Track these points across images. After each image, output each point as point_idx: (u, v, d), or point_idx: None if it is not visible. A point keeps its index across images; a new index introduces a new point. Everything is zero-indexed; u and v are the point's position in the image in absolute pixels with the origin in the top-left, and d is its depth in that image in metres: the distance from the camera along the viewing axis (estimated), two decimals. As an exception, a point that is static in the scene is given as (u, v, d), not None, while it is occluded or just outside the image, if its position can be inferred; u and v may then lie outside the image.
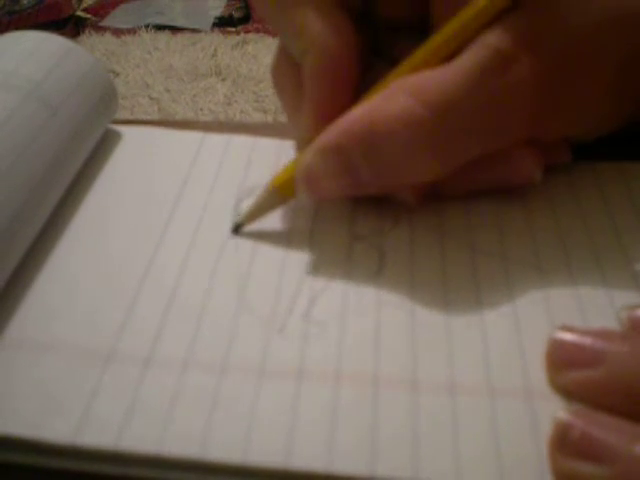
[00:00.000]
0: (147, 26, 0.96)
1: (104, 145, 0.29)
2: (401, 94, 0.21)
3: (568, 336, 0.19)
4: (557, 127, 0.23)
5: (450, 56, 0.22)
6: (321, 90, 0.24)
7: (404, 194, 0.24)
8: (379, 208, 0.25)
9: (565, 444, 0.17)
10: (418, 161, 0.22)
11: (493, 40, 0.21)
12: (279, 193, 0.24)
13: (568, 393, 0.19)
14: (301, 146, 0.24)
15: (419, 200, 0.24)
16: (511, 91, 0.21)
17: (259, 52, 1.09)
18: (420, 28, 0.25)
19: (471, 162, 0.23)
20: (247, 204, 0.25)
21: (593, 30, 0.22)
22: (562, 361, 0.19)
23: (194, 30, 0.97)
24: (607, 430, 0.16)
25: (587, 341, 0.19)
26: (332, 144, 0.22)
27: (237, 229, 0.24)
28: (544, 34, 0.22)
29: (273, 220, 0.25)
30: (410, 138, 0.21)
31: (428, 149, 0.21)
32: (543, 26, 0.22)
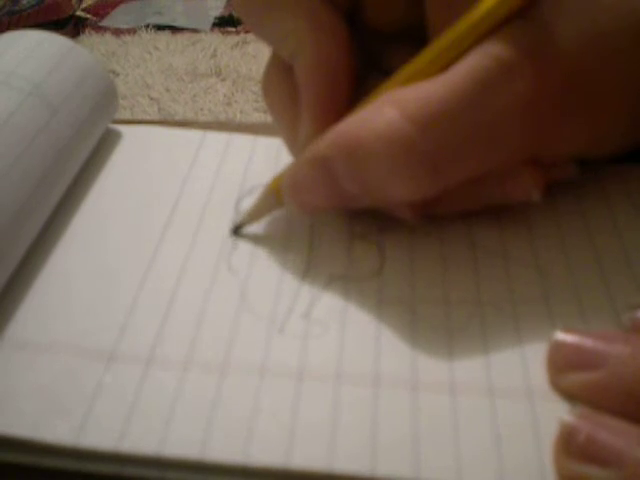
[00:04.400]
0: (147, 26, 0.96)
1: (104, 145, 0.29)
2: (387, 106, 0.20)
3: (569, 338, 0.19)
4: (560, 148, 0.22)
5: (449, 66, 0.20)
6: (318, 89, 0.23)
7: (402, 211, 0.23)
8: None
9: (571, 447, 0.17)
10: (403, 179, 0.20)
11: (495, 49, 0.20)
12: (277, 197, 0.24)
13: (570, 395, 0.19)
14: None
15: (417, 218, 0.23)
16: (511, 106, 0.20)
17: (259, 52, 1.09)
18: (411, 37, 0.24)
19: (471, 182, 0.22)
20: (247, 204, 0.25)
21: (605, 46, 0.20)
22: (563, 363, 0.19)
23: (194, 30, 0.97)
24: (613, 433, 0.16)
25: (588, 343, 0.18)
26: (317, 155, 0.21)
27: (236, 231, 0.24)
28: (551, 46, 0.20)
29: (273, 219, 0.25)
30: (393, 155, 0.20)
31: (413, 167, 0.20)
32: (550, 37, 0.20)
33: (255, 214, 0.24)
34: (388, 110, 0.20)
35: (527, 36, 0.20)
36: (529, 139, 0.21)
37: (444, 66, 0.20)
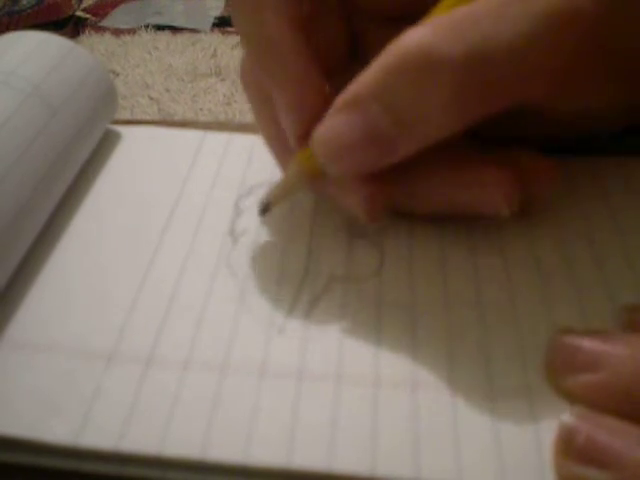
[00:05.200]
0: (147, 26, 0.96)
1: (104, 145, 0.29)
2: (414, 30, 0.19)
3: (568, 339, 0.19)
4: (575, 101, 0.21)
5: None
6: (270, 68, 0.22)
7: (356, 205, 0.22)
8: None
9: (570, 449, 0.17)
10: (440, 105, 0.19)
11: None
12: (306, 172, 0.22)
13: (569, 396, 0.19)
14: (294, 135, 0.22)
15: (373, 214, 0.22)
16: (551, 21, 0.19)
17: (259, 52, 1.08)
18: (408, 23, 0.23)
19: (441, 180, 0.22)
20: (248, 203, 0.25)
21: None
22: (563, 365, 0.19)
23: (194, 30, 0.97)
24: (613, 434, 0.16)
25: (587, 344, 0.18)
26: (347, 100, 0.20)
27: (265, 211, 0.23)
28: None
29: (273, 219, 0.25)
30: (430, 77, 0.19)
31: (448, 83, 0.19)
32: None
33: (284, 193, 0.23)
34: (419, 30, 0.19)
35: None
36: (554, 73, 0.20)
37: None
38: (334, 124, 0.20)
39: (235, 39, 0.90)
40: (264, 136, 0.25)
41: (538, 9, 0.19)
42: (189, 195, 0.26)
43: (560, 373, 0.19)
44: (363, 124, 0.20)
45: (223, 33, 0.98)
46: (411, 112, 0.19)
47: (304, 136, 0.22)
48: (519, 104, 0.20)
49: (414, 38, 0.19)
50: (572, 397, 0.18)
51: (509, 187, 0.22)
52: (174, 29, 1.00)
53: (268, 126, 0.24)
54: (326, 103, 0.21)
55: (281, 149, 0.24)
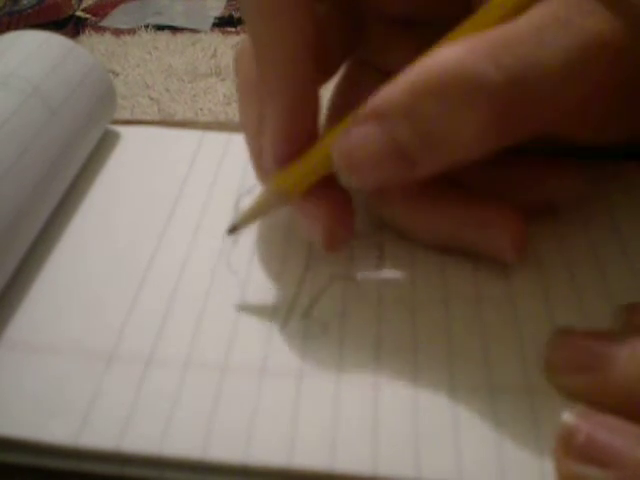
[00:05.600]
0: (147, 26, 0.96)
1: (104, 145, 0.29)
2: (449, 48, 0.18)
3: (569, 339, 0.19)
4: (605, 132, 0.21)
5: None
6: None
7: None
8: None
9: (570, 448, 0.17)
10: (473, 130, 0.18)
11: None
12: (280, 195, 0.22)
13: (570, 396, 0.19)
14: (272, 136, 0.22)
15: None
16: (585, 47, 0.18)
17: (259, 52, 1.08)
18: (424, 23, 0.23)
19: (446, 215, 0.22)
20: (246, 203, 0.25)
21: None
22: (563, 365, 0.19)
23: (194, 30, 0.97)
24: (613, 433, 0.16)
25: (587, 344, 0.18)
26: (372, 112, 0.19)
27: (233, 230, 0.23)
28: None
29: (273, 219, 0.25)
30: (466, 100, 0.18)
31: (485, 108, 0.18)
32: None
33: (255, 214, 0.23)
34: (453, 49, 0.18)
35: None
36: (577, 101, 0.19)
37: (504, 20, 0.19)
38: (357, 135, 0.19)
39: (235, 39, 0.90)
40: (247, 142, 0.24)
41: (576, 36, 0.18)
42: (189, 195, 0.26)
43: (560, 372, 0.19)
44: (388, 140, 0.19)
45: (223, 33, 0.98)
46: (441, 134, 0.18)
47: (281, 159, 0.21)
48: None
49: (449, 56, 0.18)
50: (572, 396, 0.18)
51: (519, 231, 0.22)
52: (174, 29, 1.00)
53: (254, 136, 0.23)
54: (313, 137, 0.21)
55: (261, 164, 0.24)
